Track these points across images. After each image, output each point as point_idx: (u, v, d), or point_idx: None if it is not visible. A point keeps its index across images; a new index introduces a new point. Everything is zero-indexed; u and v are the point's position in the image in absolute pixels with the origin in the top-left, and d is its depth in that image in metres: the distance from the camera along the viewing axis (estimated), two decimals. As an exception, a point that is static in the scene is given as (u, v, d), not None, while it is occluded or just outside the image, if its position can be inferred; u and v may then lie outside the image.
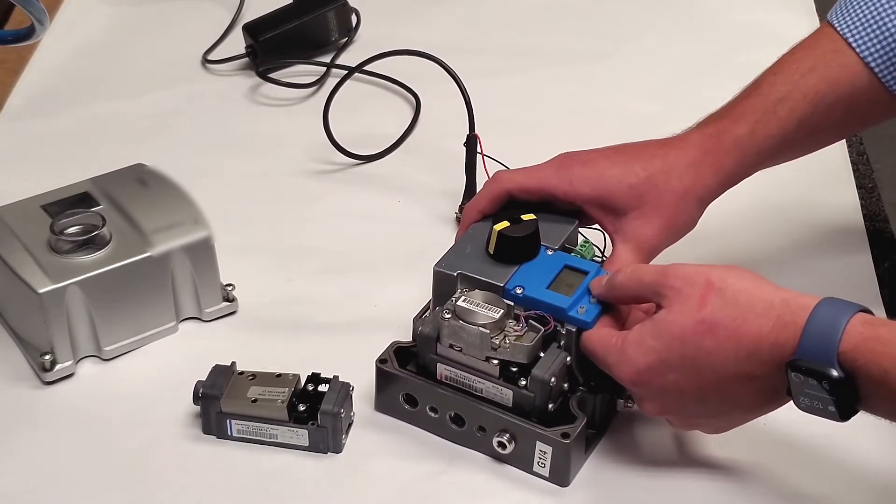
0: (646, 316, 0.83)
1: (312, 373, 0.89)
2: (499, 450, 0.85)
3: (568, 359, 0.84)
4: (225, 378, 0.88)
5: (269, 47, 1.27)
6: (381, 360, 0.89)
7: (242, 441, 0.88)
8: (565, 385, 0.85)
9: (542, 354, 0.84)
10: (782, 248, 1.04)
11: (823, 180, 1.10)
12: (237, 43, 1.30)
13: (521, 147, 1.03)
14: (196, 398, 0.88)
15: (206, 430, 0.89)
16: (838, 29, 0.91)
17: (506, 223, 0.88)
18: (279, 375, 0.88)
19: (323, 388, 0.88)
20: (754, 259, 1.02)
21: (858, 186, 1.10)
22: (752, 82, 0.93)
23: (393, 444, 0.88)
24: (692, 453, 0.87)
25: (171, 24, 1.37)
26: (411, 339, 0.90)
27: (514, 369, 0.84)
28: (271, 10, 1.30)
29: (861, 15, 0.91)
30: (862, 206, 1.08)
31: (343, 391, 0.87)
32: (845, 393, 0.73)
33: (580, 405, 0.85)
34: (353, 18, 1.33)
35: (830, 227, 1.06)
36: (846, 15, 0.91)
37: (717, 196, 0.92)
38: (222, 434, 0.88)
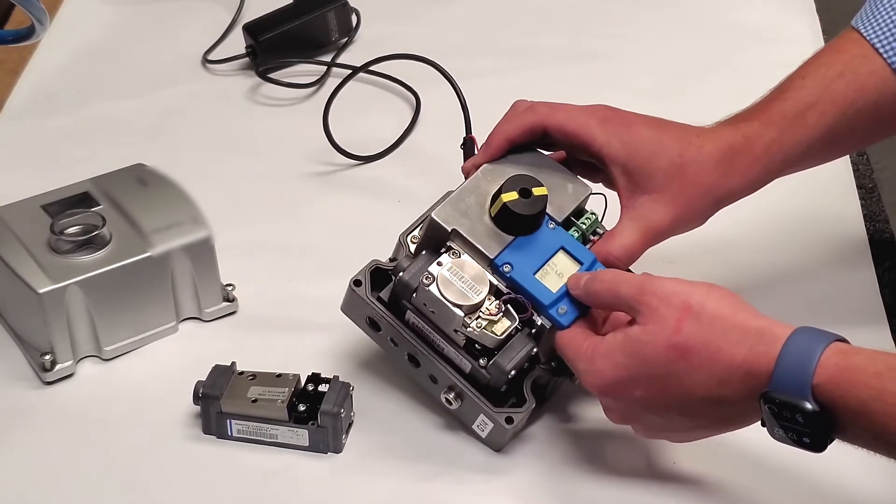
0: (626, 319, 0.82)
1: (312, 373, 0.89)
2: (445, 404, 0.86)
3: (534, 350, 0.84)
4: (225, 378, 0.88)
5: (269, 47, 1.27)
6: (356, 282, 0.88)
7: (242, 441, 0.88)
8: (525, 365, 0.85)
9: (512, 334, 0.84)
10: (782, 248, 1.04)
11: (824, 181, 1.09)
12: (237, 43, 1.30)
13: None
14: (196, 398, 0.88)
15: (206, 430, 0.89)
16: (865, 34, 0.89)
17: (514, 194, 0.85)
18: (279, 375, 0.88)
19: (323, 388, 0.88)
20: (754, 262, 1.02)
21: (858, 186, 1.10)
22: (778, 86, 0.91)
23: (393, 444, 0.88)
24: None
25: (171, 24, 1.37)
26: (391, 257, 0.90)
27: (479, 348, 0.84)
28: (271, 10, 1.30)
29: (889, 21, 0.88)
30: (862, 206, 1.08)
31: (343, 391, 0.87)
32: (820, 425, 0.72)
33: (535, 385, 0.85)
34: (353, 18, 1.33)
35: (831, 229, 1.06)
36: (872, 21, 0.89)
37: (734, 202, 0.89)
38: (222, 434, 0.88)
